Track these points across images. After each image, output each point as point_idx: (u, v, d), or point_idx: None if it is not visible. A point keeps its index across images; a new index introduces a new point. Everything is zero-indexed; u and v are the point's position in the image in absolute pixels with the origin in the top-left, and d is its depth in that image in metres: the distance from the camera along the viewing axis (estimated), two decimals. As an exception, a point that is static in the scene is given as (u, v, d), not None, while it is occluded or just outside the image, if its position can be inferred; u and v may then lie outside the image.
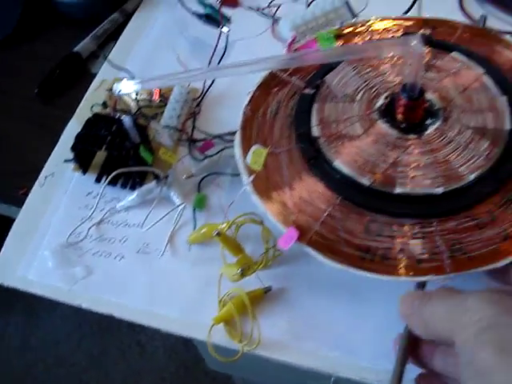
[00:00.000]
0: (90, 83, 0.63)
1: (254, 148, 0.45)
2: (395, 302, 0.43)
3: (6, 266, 0.51)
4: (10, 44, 0.73)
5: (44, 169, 0.57)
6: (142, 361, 1.32)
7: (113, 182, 0.52)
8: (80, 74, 0.68)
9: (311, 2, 0.57)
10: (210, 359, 0.82)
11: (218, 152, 0.53)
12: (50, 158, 0.58)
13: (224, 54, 0.60)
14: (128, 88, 0.46)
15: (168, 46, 0.65)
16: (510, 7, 0.61)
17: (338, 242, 0.42)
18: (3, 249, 0.52)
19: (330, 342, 0.44)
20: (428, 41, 0.50)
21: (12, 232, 0.53)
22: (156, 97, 0.51)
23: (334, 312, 0.45)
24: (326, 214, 0.43)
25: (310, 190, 0.44)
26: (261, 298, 0.46)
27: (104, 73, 0.64)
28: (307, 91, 0.48)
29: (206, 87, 0.59)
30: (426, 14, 0.56)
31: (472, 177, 0.42)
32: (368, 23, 0.54)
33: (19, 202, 0.55)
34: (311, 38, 0.52)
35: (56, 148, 0.59)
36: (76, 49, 0.68)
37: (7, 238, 0.53)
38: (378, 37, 0.53)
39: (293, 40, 0.53)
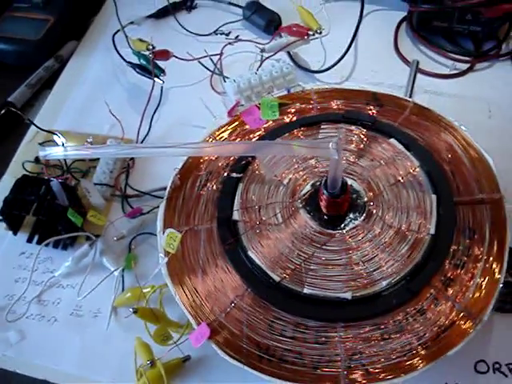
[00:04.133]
0: (25, 134, 0.61)
1: (168, 231, 0.44)
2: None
3: None
4: None
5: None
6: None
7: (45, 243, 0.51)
8: (15, 125, 0.64)
9: (259, 67, 0.54)
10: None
11: (150, 211, 0.52)
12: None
13: (159, 103, 0.60)
14: (55, 152, 0.46)
15: (104, 92, 0.63)
16: (443, 48, 0.64)
17: (240, 336, 0.41)
18: None
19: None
20: (370, 123, 0.48)
21: None
22: (88, 152, 0.50)
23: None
24: (232, 305, 0.42)
25: (222, 276, 0.44)
26: (179, 367, 0.46)
27: (38, 123, 0.60)
28: (234, 175, 0.47)
29: (141, 138, 0.58)
30: (362, 54, 0.60)
31: (384, 283, 0.41)
32: (314, 92, 0.52)
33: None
34: (254, 104, 0.50)
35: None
36: (10, 98, 0.65)
37: None
38: (320, 107, 0.51)
39: (235, 105, 0.51)
